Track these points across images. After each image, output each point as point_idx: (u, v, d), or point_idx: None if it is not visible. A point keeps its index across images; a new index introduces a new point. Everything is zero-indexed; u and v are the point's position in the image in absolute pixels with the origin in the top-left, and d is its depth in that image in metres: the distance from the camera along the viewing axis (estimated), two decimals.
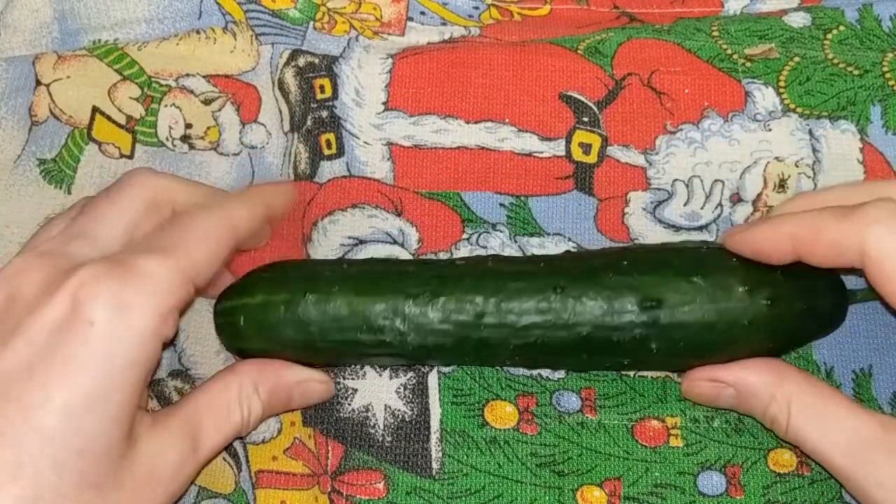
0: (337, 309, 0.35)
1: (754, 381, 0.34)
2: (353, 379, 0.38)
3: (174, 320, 0.32)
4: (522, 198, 0.40)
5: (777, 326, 0.34)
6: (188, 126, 0.43)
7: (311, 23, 0.44)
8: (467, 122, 0.41)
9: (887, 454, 0.32)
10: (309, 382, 0.37)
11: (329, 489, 0.37)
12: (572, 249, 0.39)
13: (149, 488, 0.32)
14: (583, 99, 0.41)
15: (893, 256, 0.30)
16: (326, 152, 0.41)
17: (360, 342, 0.35)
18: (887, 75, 0.41)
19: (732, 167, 0.40)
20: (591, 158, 0.41)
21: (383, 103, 0.42)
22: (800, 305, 0.34)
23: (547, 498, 0.36)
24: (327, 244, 0.40)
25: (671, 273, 0.34)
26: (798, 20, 0.42)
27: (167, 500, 0.33)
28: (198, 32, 0.44)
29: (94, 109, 0.43)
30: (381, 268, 0.36)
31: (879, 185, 0.34)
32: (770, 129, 0.40)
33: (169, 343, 0.33)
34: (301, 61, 0.43)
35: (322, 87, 0.43)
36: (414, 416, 0.37)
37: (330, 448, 0.37)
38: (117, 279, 0.30)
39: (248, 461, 0.37)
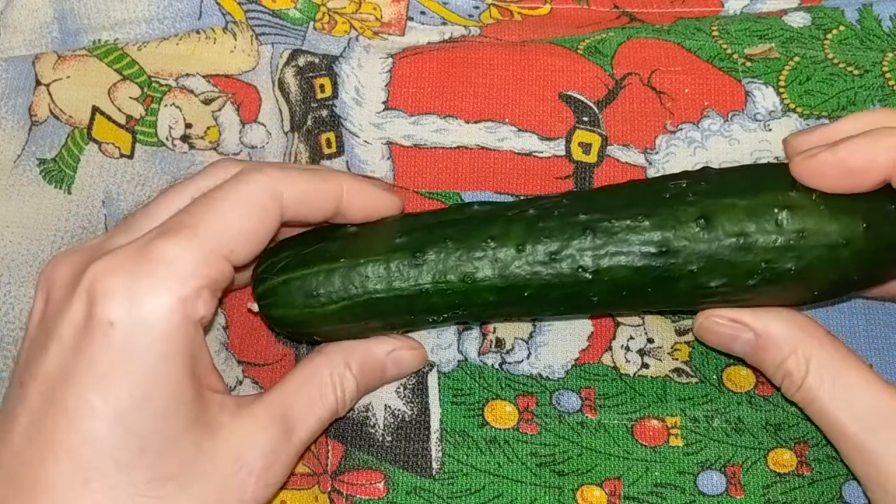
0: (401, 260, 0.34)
1: (778, 331, 0.33)
2: None
3: (206, 301, 0.30)
4: (522, 197, 0.40)
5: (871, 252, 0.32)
6: (188, 126, 0.43)
7: (311, 23, 0.44)
8: (467, 122, 0.41)
9: None
10: (400, 351, 0.36)
11: (329, 489, 0.37)
12: None
13: (238, 477, 0.31)
14: (583, 98, 0.41)
15: None
16: (326, 151, 0.41)
17: (425, 293, 0.34)
18: (887, 75, 0.41)
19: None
20: (591, 158, 0.41)
21: (383, 102, 0.42)
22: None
23: (547, 497, 0.36)
24: None
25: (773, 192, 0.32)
26: (798, 20, 0.42)
27: (264, 490, 0.32)
28: (198, 32, 0.44)
29: (94, 109, 0.43)
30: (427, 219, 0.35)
31: None
32: (770, 129, 0.40)
33: (210, 323, 0.32)
34: (301, 61, 0.43)
35: (322, 87, 0.43)
36: (414, 416, 0.37)
37: (330, 448, 0.37)
38: (129, 271, 0.29)
39: None
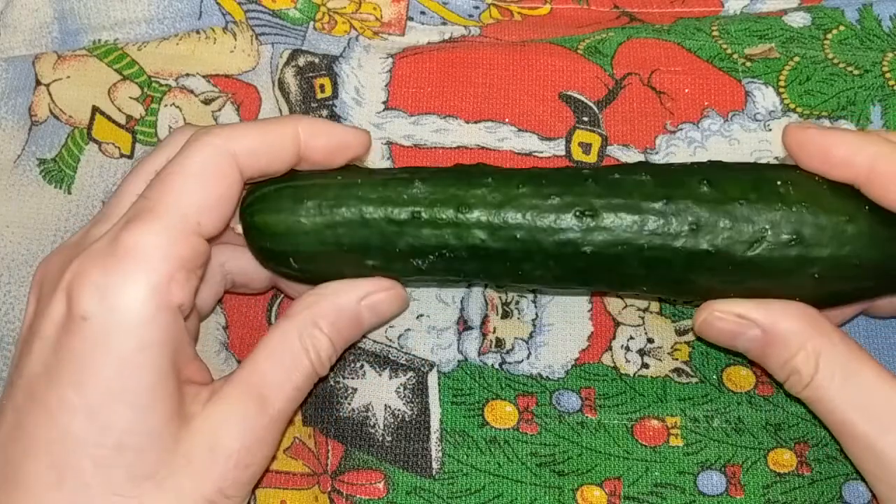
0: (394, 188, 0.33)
1: (787, 328, 0.32)
2: (352, 378, 0.38)
3: (181, 283, 0.29)
4: None
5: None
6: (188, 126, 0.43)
7: (312, 23, 0.44)
8: (467, 122, 0.41)
9: None
10: (374, 295, 0.34)
11: (329, 489, 0.37)
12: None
13: (215, 465, 0.30)
14: (583, 98, 0.41)
15: None
16: None
17: (421, 221, 0.32)
18: (887, 75, 0.41)
19: None
20: (591, 158, 0.41)
21: (383, 102, 0.42)
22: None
23: (547, 498, 0.36)
24: None
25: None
26: (798, 20, 0.42)
27: (245, 471, 0.31)
28: (198, 32, 0.44)
29: (94, 109, 0.43)
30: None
31: None
32: (770, 129, 0.40)
33: (189, 310, 0.31)
34: (301, 61, 0.43)
35: (322, 87, 0.43)
36: (414, 416, 0.37)
37: (330, 447, 0.37)
38: (101, 265, 0.29)
39: None
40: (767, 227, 0.31)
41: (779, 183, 0.32)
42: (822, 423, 0.33)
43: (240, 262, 0.36)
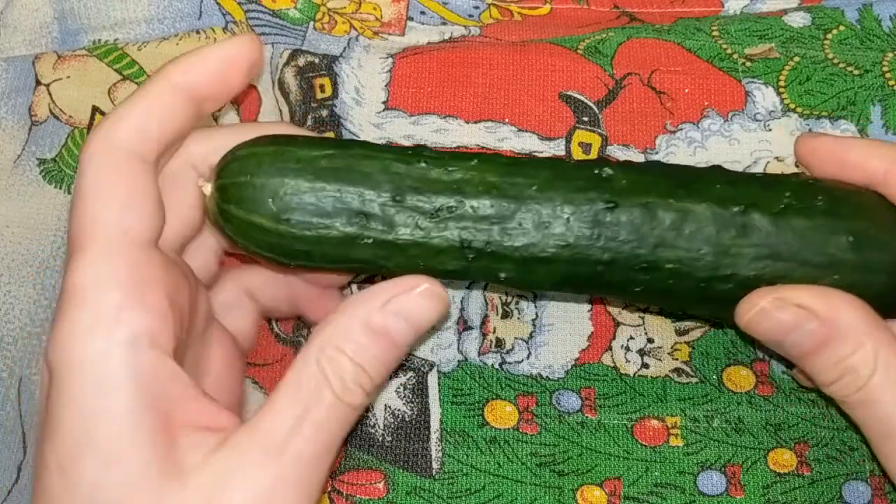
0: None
1: (848, 320, 0.28)
2: None
3: (134, 310, 0.25)
4: None
5: None
6: None
7: (311, 23, 0.44)
8: (467, 122, 0.41)
9: None
10: (401, 297, 0.28)
11: (329, 489, 0.37)
12: None
13: None
14: (583, 98, 0.41)
15: None
16: None
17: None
18: (887, 75, 0.41)
19: (732, 167, 0.40)
20: (592, 158, 0.41)
21: (383, 102, 0.42)
22: None
23: (547, 498, 0.36)
24: None
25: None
26: (798, 20, 0.42)
27: None
28: (198, 32, 0.44)
29: (94, 109, 0.43)
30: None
31: None
32: (770, 129, 0.40)
33: (175, 337, 0.27)
34: (301, 61, 0.43)
35: (322, 87, 0.43)
36: (414, 416, 0.37)
37: None
38: (56, 314, 0.26)
39: None
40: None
41: (788, 194, 0.32)
42: (858, 430, 0.31)
43: (262, 283, 0.35)
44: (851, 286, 0.30)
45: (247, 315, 0.36)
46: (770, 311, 0.29)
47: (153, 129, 0.28)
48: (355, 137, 0.41)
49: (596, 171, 0.32)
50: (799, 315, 0.29)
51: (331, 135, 0.42)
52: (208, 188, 0.31)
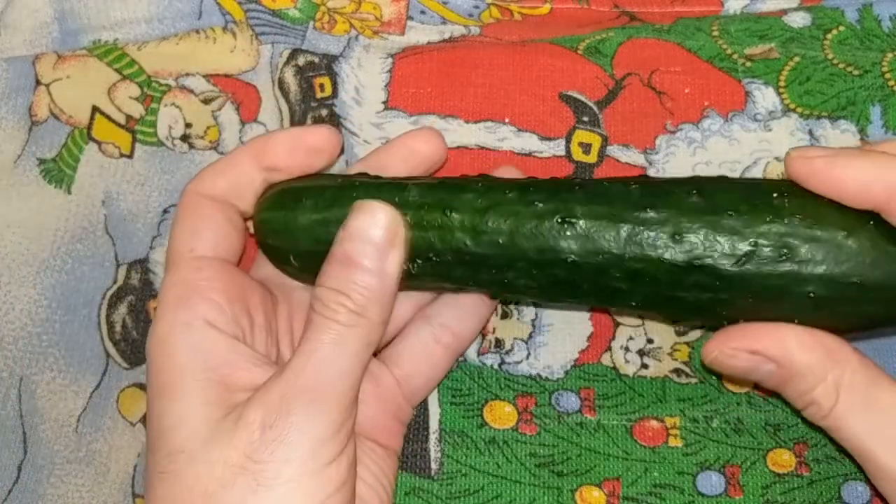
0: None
1: (803, 361, 0.30)
2: None
3: (186, 301, 0.32)
4: None
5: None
6: (188, 125, 0.43)
7: (311, 22, 0.44)
8: (467, 122, 0.41)
9: None
10: (346, 224, 0.32)
11: None
12: None
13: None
14: (583, 98, 0.41)
15: None
16: None
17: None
18: (887, 75, 0.41)
19: (732, 167, 0.40)
20: (591, 158, 0.41)
21: (383, 102, 0.42)
22: None
23: (546, 498, 0.36)
24: None
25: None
26: (798, 20, 0.42)
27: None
28: (198, 32, 0.44)
29: (94, 109, 0.43)
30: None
31: None
32: (770, 129, 0.40)
33: (234, 316, 0.33)
34: (301, 60, 0.43)
35: (322, 86, 0.43)
36: (413, 416, 0.37)
37: None
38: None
39: None
40: (756, 240, 0.29)
41: (774, 195, 0.30)
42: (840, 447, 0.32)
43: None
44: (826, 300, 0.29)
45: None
46: (722, 360, 0.31)
47: (224, 186, 0.35)
48: (355, 137, 0.41)
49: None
50: (753, 360, 0.31)
51: None
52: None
